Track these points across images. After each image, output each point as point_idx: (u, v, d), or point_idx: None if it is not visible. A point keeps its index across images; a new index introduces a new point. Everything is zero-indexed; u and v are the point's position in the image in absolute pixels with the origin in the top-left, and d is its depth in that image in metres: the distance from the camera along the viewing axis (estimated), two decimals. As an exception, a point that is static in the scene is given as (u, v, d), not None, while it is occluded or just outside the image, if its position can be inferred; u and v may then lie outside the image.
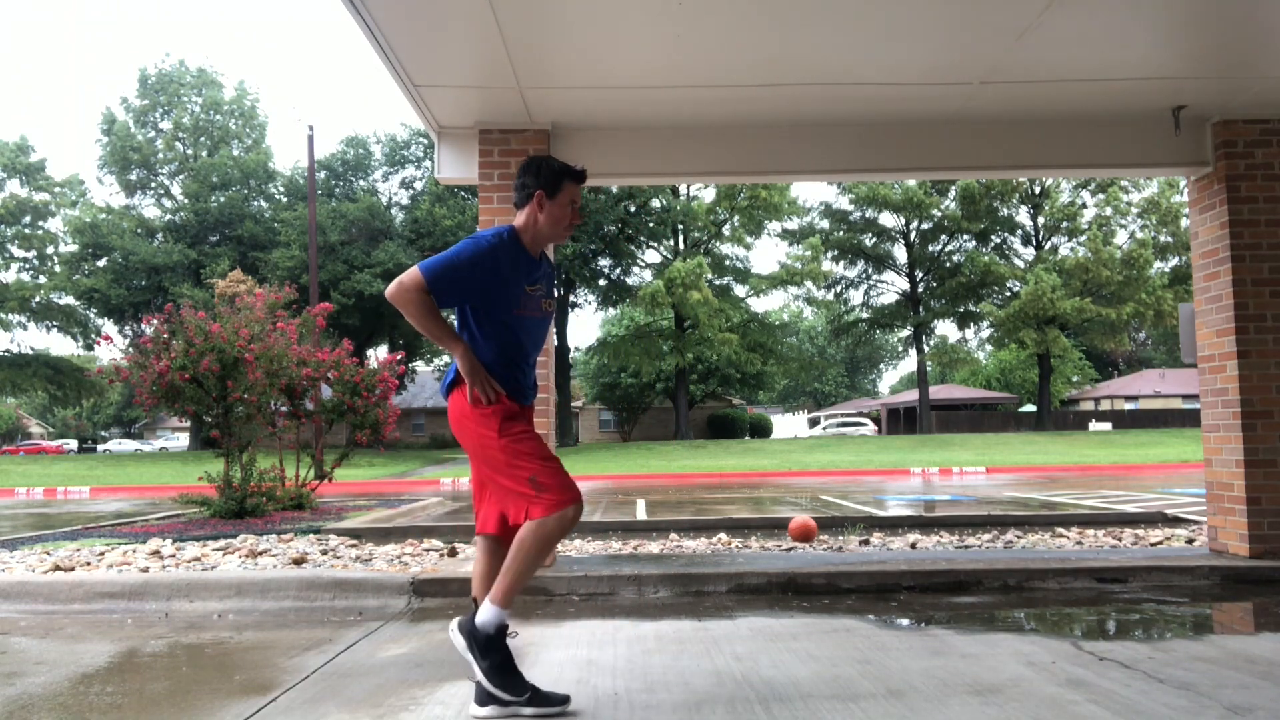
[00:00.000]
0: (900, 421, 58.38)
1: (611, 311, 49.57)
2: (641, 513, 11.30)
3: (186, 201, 43.45)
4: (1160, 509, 9.61)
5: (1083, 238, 43.56)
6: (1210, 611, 4.73)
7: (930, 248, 47.96)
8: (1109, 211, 43.74)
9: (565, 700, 3.13)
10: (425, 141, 42.34)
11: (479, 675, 3.04)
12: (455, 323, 3.24)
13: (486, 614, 3.06)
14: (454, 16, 4.33)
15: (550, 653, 3.93)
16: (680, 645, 4.01)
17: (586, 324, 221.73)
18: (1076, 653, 3.79)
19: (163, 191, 45.54)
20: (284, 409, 11.25)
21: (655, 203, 41.57)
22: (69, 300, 42.53)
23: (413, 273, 3.03)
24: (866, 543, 7.03)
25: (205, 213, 42.62)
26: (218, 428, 10.15)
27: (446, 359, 48.58)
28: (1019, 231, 48.16)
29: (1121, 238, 44.19)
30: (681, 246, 43.11)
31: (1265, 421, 5.63)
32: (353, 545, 7.17)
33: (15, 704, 3.31)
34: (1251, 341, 5.68)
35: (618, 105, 5.47)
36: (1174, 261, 43.37)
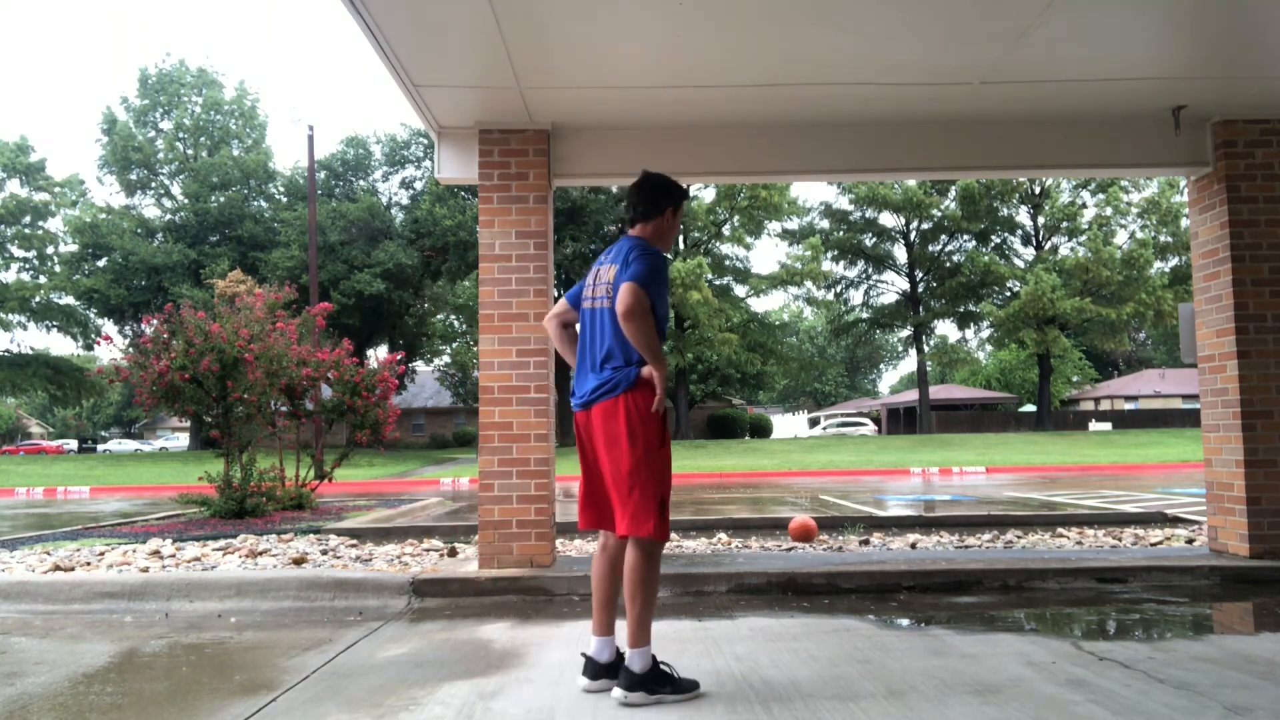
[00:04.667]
0: (900, 421, 58.37)
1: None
2: (641, 513, 11.22)
3: (186, 201, 43.46)
4: (1160, 509, 9.61)
5: (1083, 238, 43.56)
6: (1210, 611, 4.73)
7: (930, 248, 47.98)
8: (1109, 211, 43.74)
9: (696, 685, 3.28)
10: (425, 141, 42.34)
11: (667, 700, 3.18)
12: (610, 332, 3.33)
13: (634, 659, 3.19)
14: (454, 16, 4.33)
15: (550, 653, 3.93)
16: (680, 645, 4.01)
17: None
18: (1076, 653, 3.79)
19: (163, 191, 45.55)
20: (284, 409, 11.24)
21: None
22: (69, 300, 42.51)
23: (635, 289, 3.10)
24: (866, 543, 7.03)
25: (205, 213, 42.63)
26: (218, 428, 10.15)
27: (449, 359, 48.65)
28: (1019, 231, 48.19)
29: (1121, 238, 44.22)
30: (681, 246, 43.11)
31: (1265, 421, 5.63)
32: (353, 545, 7.17)
33: (15, 704, 3.31)
34: (1251, 341, 5.68)
35: (618, 105, 5.47)
36: (1174, 261, 43.37)
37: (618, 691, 3.18)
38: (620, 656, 3.29)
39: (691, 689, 3.22)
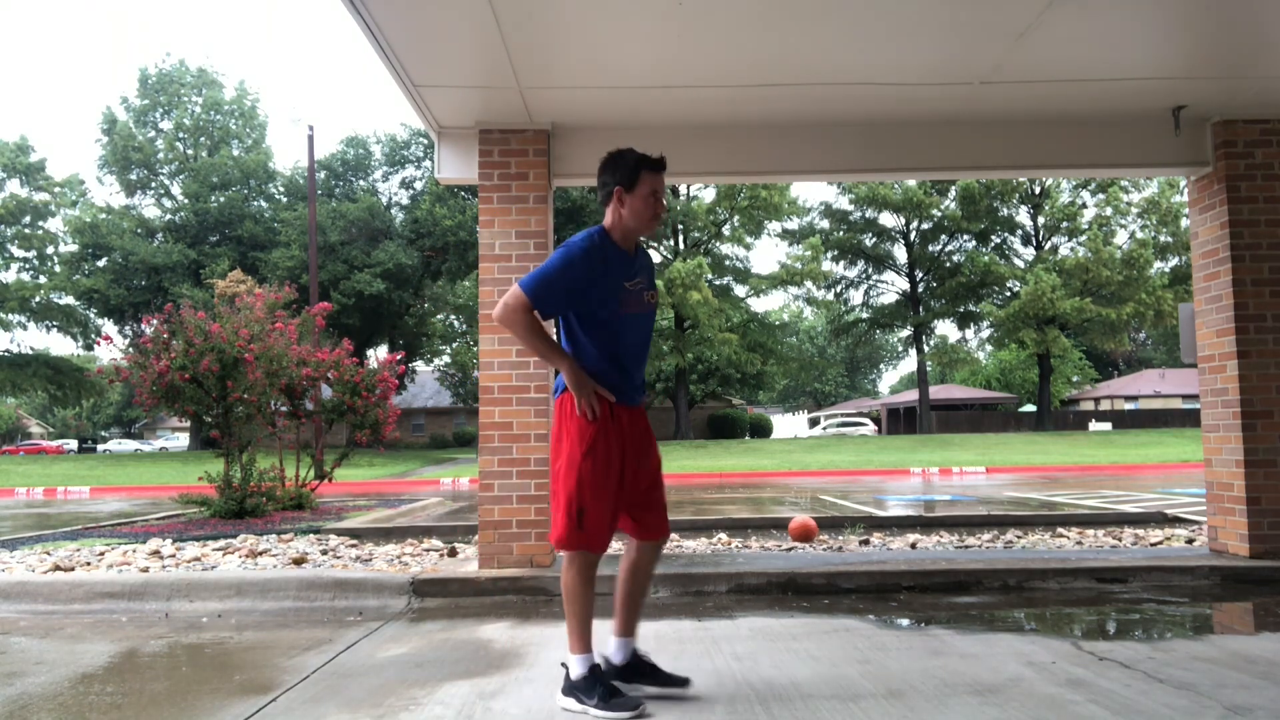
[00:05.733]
0: (900, 421, 58.37)
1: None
2: (641, 513, 11.23)
3: (186, 201, 43.46)
4: (1160, 509, 9.61)
5: (1083, 238, 43.56)
6: (1210, 611, 4.73)
7: (930, 248, 47.97)
8: (1109, 211, 43.74)
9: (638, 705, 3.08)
10: (425, 141, 42.34)
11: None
12: (562, 334, 3.25)
13: (572, 668, 3.13)
14: (454, 16, 4.33)
15: (550, 653, 3.93)
16: (680, 645, 4.01)
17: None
18: (1076, 653, 3.79)
19: (163, 191, 45.56)
20: (284, 409, 11.24)
21: (655, 203, 41.46)
22: (69, 300, 42.52)
23: (514, 292, 3.05)
24: (866, 543, 7.03)
25: (205, 213, 42.63)
26: (218, 428, 10.15)
27: (449, 359, 48.67)
28: (1019, 231, 48.19)
29: (1121, 238, 44.21)
30: (681, 246, 43.11)
31: (1265, 421, 5.63)
32: (353, 545, 7.17)
33: (15, 704, 3.31)
34: (1251, 341, 5.68)
35: (618, 105, 5.47)
36: (1174, 261, 43.36)
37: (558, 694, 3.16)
38: (638, 657, 3.26)
39: (623, 710, 3.00)
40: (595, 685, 3.06)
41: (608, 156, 3.23)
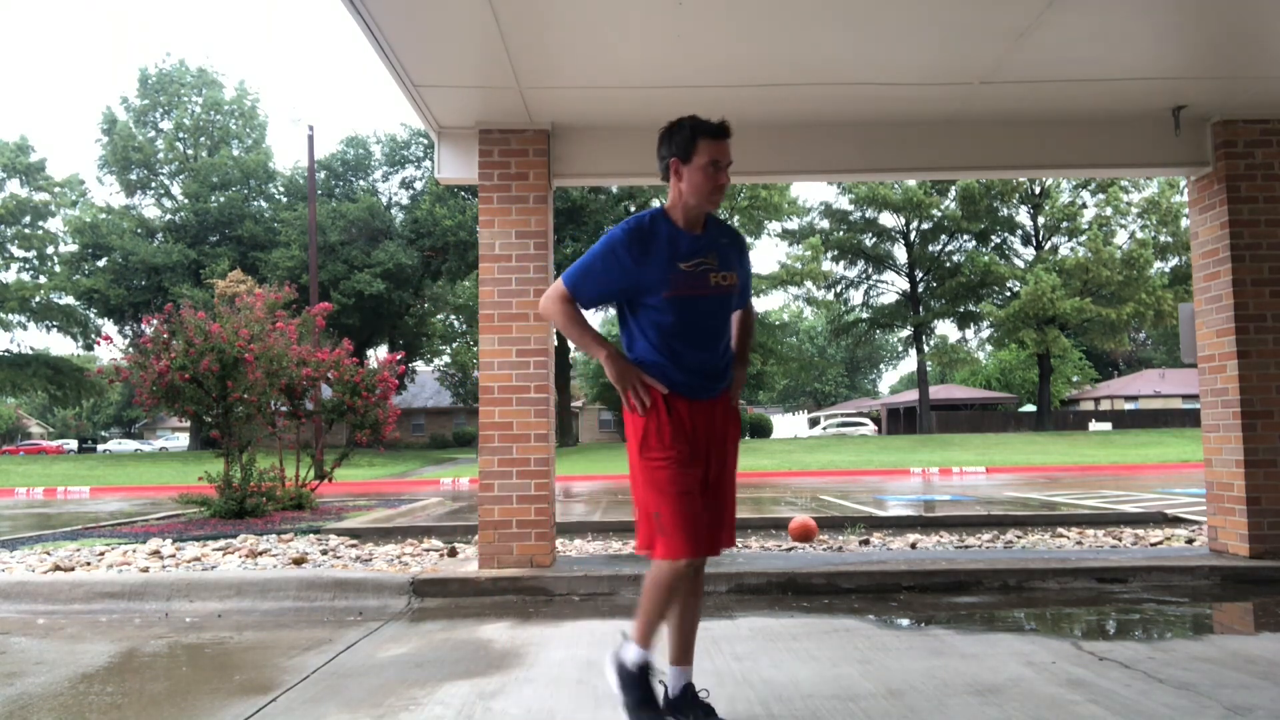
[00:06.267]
0: (900, 421, 58.36)
1: (611, 311, 49.57)
2: (641, 513, 11.24)
3: (186, 201, 43.48)
4: (1160, 509, 9.61)
5: (1083, 238, 43.56)
6: (1210, 611, 4.73)
7: (930, 248, 47.97)
8: (1109, 211, 43.73)
9: None
10: (425, 141, 42.34)
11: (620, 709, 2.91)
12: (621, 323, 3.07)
13: (625, 649, 2.93)
14: (454, 16, 4.33)
15: (550, 652, 3.93)
16: (680, 645, 4.00)
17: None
18: (1076, 653, 3.79)
19: (163, 191, 45.57)
20: (284, 409, 11.25)
21: (655, 203, 41.53)
22: (69, 300, 42.53)
23: (556, 283, 2.95)
24: (866, 543, 7.03)
25: (205, 213, 42.64)
26: (218, 428, 10.15)
27: (449, 359, 48.68)
28: (1019, 231, 48.19)
29: (1121, 238, 44.21)
30: (681, 246, 43.02)
31: (1265, 421, 5.63)
32: (353, 545, 7.17)
33: (15, 704, 3.31)
34: (1251, 341, 5.67)
35: (618, 105, 5.47)
36: (1174, 261, 43.37)
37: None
38: (692, 693, 2.94)
39: (641, 709, 2.86)
40: (635, 685, 2.88)
41: (664, 128, 2.96)
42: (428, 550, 6.72)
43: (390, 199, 45.86)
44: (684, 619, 2.95)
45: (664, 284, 2.85)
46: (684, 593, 2.91)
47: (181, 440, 59.29)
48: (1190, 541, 6.81)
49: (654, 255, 2.87)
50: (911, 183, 42.66)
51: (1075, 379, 60.27)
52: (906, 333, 53.89)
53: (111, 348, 40.95)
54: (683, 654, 2.97)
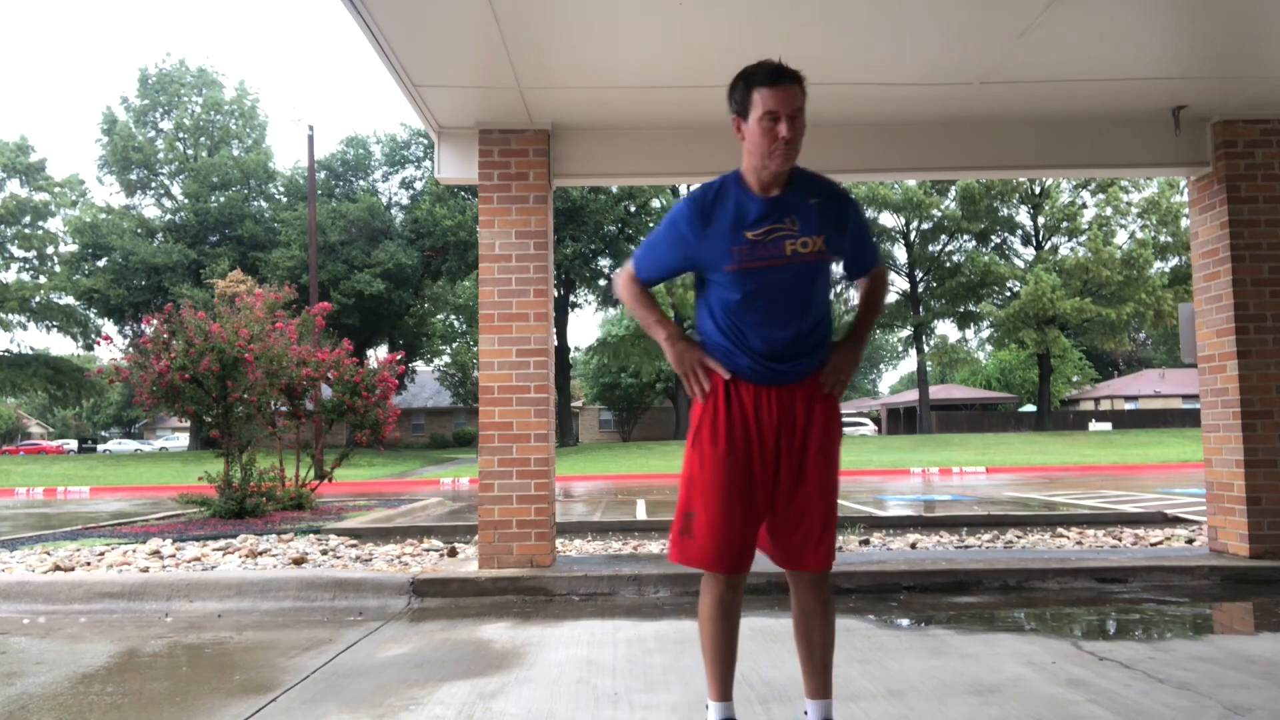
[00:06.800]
0: (900, 421, 58.36)
1: (611, 311, 49.64)
2: (642, 512, 11.29)
3: (186, 201, 43.47)
4: (1160, 509, 9.61)
5: (1083, 238, 43.58)
6: (1210, 611, 4.73)
7: (930, 248, 47.97)
8: (1109, 211, 43.76)
9: None
10: (425, 141, 42.33)
11: None
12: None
13: (709, 714, 2.67)
14: (454, 16, 4.32)
15: (550, 652, 3.93)
16: (681, 645, 4.01)
17: (587, 324, 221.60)
18: (1076, 653, 3.79)
19: (163, 191, 45.57)
20: (284, 409, 11.25)
21: (655, 203, 41.54)
22: (69, 300, 42.53)
23: (628, 261, 2.75)
24: (866, 543, 7.03)
25: (205, 213, 42.64)
26: (218, 428, 10.15)
27: (449, 359, 48.65)
28: (1019, 231, 48.18)
29: (1121, 238, 44.23)
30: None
31: (1265, 421, 5.63)
32: (353, 545, 7.17)
33: (15, 704, 3.31)
34: (1251, 341, 5.68)
35: (618, 105, 5.47)
36: (1174, 261, 43.38)
37: None
38: None
39: None
40: None
41: (730, 83, 2.63)
42: (428, 550, 6.72)
43: (390, 199, 45.87)
44: (810, 645, 2.64)
45: (727, 256, 2.52)
46: (804, 614, 2.62)
47: (181, 440, 59.29)
48: (1190, 541, 6.81)
49: (717, 224, 2.56)
50: (911, 183, 42.66)
51: (1075, 379, 60.28)
52: (906, 333, 53.90)
53: (111, 348, 41.02)
54: (816, 686, 2.68)
